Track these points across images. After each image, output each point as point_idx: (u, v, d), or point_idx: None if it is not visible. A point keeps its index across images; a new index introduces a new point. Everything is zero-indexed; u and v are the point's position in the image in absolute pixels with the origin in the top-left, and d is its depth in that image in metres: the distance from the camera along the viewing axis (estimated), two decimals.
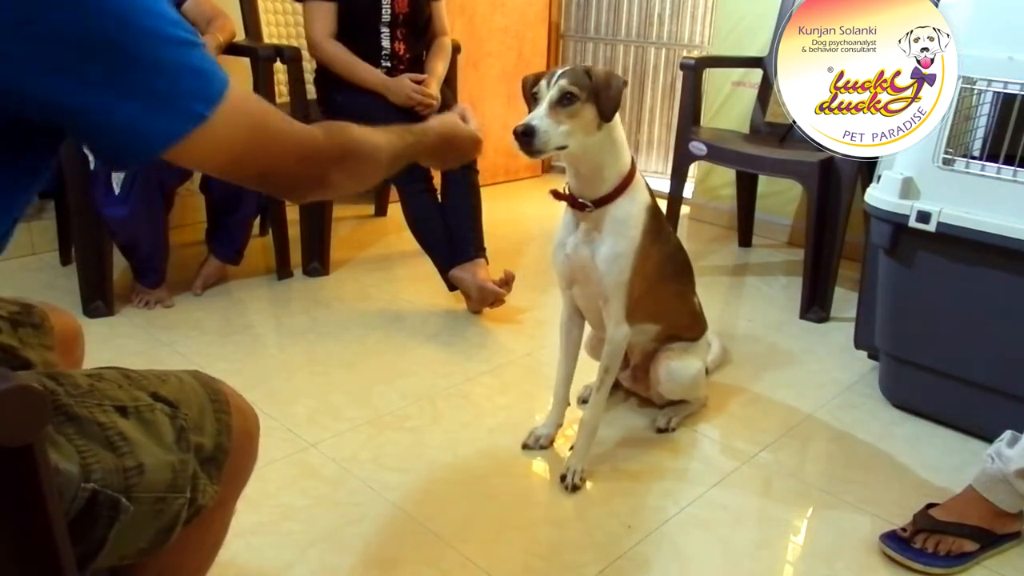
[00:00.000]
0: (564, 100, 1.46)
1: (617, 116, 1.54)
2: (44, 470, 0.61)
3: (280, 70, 2.75)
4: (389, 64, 2.61)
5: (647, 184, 1.65)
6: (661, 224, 1.67)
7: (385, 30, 2.59)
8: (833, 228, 2.48)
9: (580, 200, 1.58)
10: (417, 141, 1.12)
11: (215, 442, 0.87)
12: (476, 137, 1.26)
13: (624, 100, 4.17)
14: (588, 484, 1.67)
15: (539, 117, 1.45)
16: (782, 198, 3.31)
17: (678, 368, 1.81)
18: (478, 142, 1.26)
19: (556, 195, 1.62)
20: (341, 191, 0.98)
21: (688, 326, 1.86)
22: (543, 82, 1.49)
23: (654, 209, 1.63)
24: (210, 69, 0.76)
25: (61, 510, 0.68)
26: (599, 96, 1.48)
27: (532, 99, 1.51)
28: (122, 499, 0.74)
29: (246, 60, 2.65)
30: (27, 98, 0.68)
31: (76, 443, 0.74)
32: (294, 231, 2.72)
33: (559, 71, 1.49)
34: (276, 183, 0.87)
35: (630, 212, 1.58)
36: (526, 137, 1.43)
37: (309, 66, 2.78)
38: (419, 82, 2.56)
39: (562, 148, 1.47)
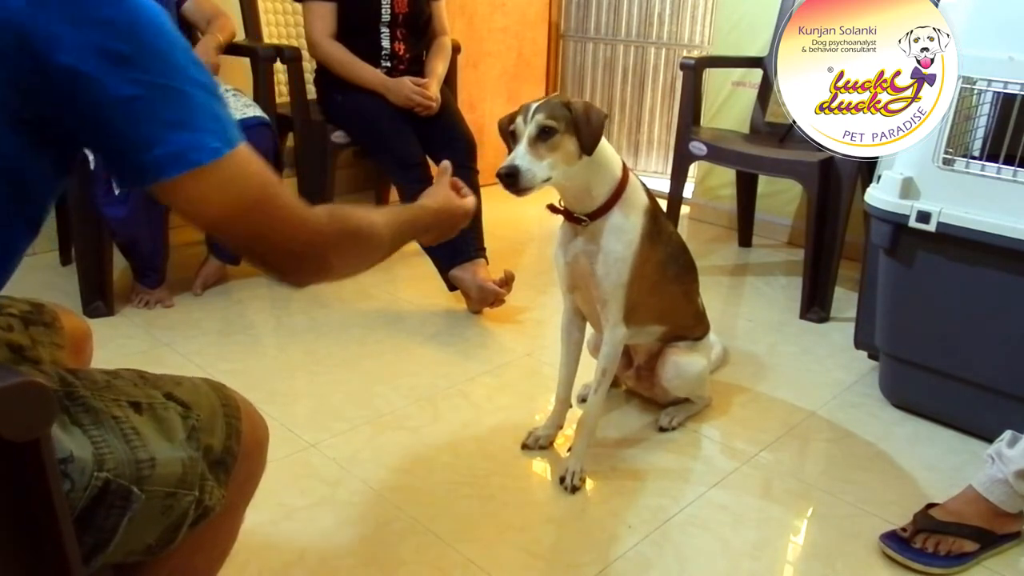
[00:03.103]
0: (543, 134, 1.46)
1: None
2: (50, 465, 0.62)
3: (280, 70, 2.75)
4: (389, 64, 2.61)
5: (644, 187, 1.64)
6: (660, 226, 1.67)
7: (385, 30, 2.59)
8: (833, 228, 2.48)
9: (576, 215, 1.58)
10: (415, 217, 1.14)
11: (224, 445, 0.88)
12: (467, 211, 1.24)
13: (624, 100, 4.18)
14: (588, 484, 1.67)
15: (520, 156, 1.45)
16: (782, 198, 3.31)
17: (686, 364, 1.81)
18: (468, 216, 1.25)
19: (553, 209, 1.63)
20: (340, 275, 0.95)
21: (692, 326, 1.87)
22: (519, 119, 1.49)
23: (653, 212, 1.63)
24: (230, 119, 0.79)
25: (67, 505, 0.68)
26: (579, 129, 1.48)
27: (510, 136, 1.51)
28: (134, 489, 0.76)
29: (246, 60, 2.65)
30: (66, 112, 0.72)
31: (91, 433, 0.75)
32: None
33: (534, 105, 1.49)
34: (270, 253, 0.84)
35: (627, 218, 1.58)
36: (510, 179, 1.44)
37: (309, 66, 2.79)
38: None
39: (547, 180, 1.48)
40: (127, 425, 0.79)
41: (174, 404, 0.85)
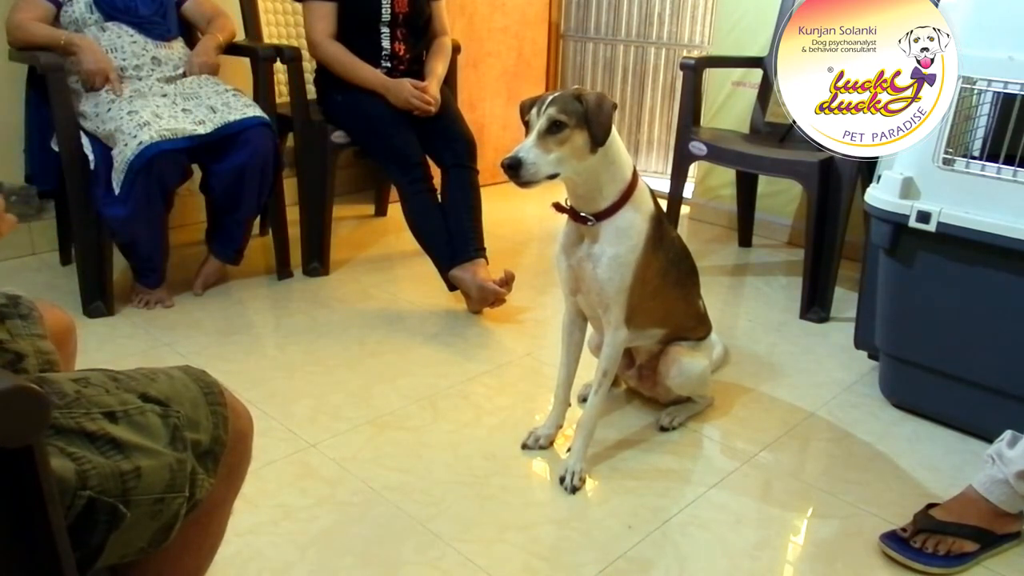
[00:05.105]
0: (553, 128, 1.46)
1: (615, 131, 1.54)
2: (44, 471, 0.61)
3: (280, 70, 2.75)
4: (389, 64, 2.61)
5: (650, 191, 1.65)
6: (663, 231, 1.67)
7: (385, 30, 2.58)
8: (833, 228, 2.48)
9: (582, 214, 1.58)
10: None
11: (212, 436, 0.87)
12: None
13: (624, 100, 4.17)
14: (588, 484, 1.67)
15: (526, 148, 1.45)
16: (782, 198, 3.31)
17: (688, 363, 1.81)
18: None
19: (558, 208, 1.62)
20: None
21: (694, 328, 1.87)
22: (534, 110, 1.49)
23: (657, 217, 1.63)
24: None
25: (61, 512, 0.68)
26: (590, 121, 1.47)
27: (525, 125, 1.51)
28: (119, 506, 0.74)
29: (246, 60, 2.65)
30: None
31: (68, 451, 0.73)
32: (294, 231, 2.72)
33: (549, 97, 1.48)
34: None
35: (632, 222, 1.58)
36: (512, 170, 1.44)
37: (309, 66, 2.79)
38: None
39: (554, 176, 1.48)
40: (103, 439, 0.76)
41: (151, 405, 0.82)
